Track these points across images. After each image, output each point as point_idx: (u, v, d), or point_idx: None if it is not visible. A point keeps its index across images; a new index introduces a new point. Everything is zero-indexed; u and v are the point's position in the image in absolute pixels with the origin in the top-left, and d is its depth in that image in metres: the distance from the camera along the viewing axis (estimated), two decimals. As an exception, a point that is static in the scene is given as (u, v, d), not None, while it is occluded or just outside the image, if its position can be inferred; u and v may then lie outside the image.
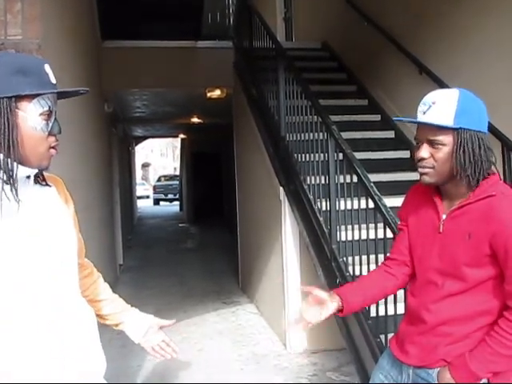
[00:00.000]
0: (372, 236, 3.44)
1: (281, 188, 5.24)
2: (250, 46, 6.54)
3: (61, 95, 1.50)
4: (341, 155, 3.95)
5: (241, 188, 8.03)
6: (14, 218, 1.39)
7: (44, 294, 1.43)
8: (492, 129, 4.12)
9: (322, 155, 4.24)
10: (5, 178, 1.37)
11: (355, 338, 3.69)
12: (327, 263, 4.10)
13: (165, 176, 32.21)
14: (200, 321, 6.37)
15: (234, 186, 8.57)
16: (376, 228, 3.38)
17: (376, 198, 3.40)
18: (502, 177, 4.12)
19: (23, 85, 1.37)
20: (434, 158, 1.76)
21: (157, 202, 29.13)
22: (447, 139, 1.73)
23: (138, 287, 8.32)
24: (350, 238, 3.77)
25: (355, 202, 3.71)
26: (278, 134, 5.22)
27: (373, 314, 3.38)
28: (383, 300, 3.08)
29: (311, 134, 4.43)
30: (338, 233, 3.95)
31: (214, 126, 12.59)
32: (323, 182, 4.20)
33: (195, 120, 12.32)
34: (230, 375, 4.71)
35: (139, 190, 26.88)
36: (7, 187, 1.37)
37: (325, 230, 4.14)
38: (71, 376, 1.46)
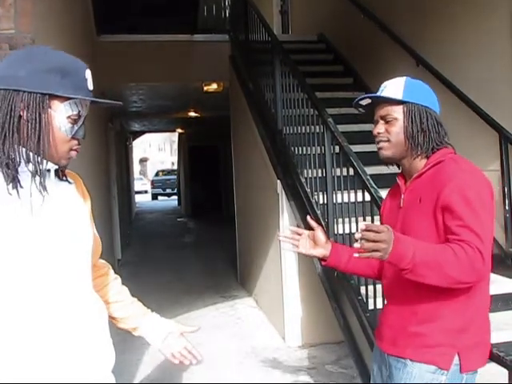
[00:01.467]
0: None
1: (278, 181, 5.23)
2: (246, 39, 6.51)
3: (94, 103, 1.51)
4: (337, 148, 3.94)
5: (238, 182, 8.02)
6: (37, 211, 1.39)
7: (53, 287, 1.42)
8: (489, 120, 4.14)
9: (318, 148, 4.24)
10: (32, 170, 1.39)
11: (353, 330, 3.69)
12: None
13: (163, 171, 32.19)
14: (199, 315, 6.36)
15: (231, 179, 8.56)
16: (373, 220, 3.37)
17: (372, 190, 3.39)
18: (499, 168, 4.14)
19: (58, 85, 1.39)
20: (387, 131, 1.91)
21: (155, 196, 29.13)
22: (398, 113, 1.89)
23: (137, 282, 8.29)
24: (347, 230, 3.76)
25: (352, 194, 3.70)
26: (275, 127, 5.20)
27: (371, 306, 3.37)
28: (381, 293, 3.08)
29: (308, 127, 4.42)
30: (336, 225, 3.95)
31: (211, 119, 12.57)
32: (320, 175, 4.20)
33: (192, 114, 12.29)
34: (228, 369, 4.71)
35: (137, 185, 26.89)
36: (36, 181, 1.39)
37: (322, 222, 4.13)
38: (77, 370, 1.45)
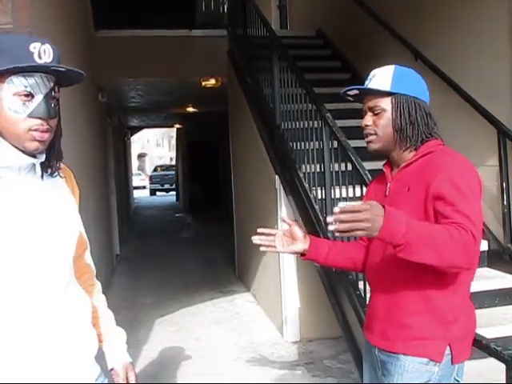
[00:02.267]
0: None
1: (276, 176, 5.23)
2: (245, 34, 6.50)
3: (58, 80, 1.42)
4: (335, 143, 3.94)
5: (237, 177, 8.01)
6: (11, 205, 1.37)
7: (34, 281, 1.40)
8: (488, 115, 4.13)
9: (317, 143, 4.23)
10: None
11: (351, 325, 3.70)
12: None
13: (161, 166, 32.18)
14: (197, 310, 6.37)
15: (229, 175, 8.56)
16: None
17: (371, 185, 3.39)
18: (497, 163, 4.14)
19: None
20: (375, 124, 1.88)
21: (153, 192, 29.12)
22: (386, 105, 1.86)
23: (135, 277, 8.32)
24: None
25: (350, 189, 3.70)
26: (273, 122, 5.20)
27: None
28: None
29: (306, 122, 4.42)
30: (334, 221, 3.94)
31: (210, 115, 12.55)
32: (318, 170, 4.20)
33: (190, 109, 12.28)
34: (226, 364, 4.72)
35: (135, 181, 26.88)
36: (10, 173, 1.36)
37: (320, 218, 4.13)
38: (60, 357, 1.45)
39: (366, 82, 1.90)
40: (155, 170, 31.32)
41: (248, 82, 6.33)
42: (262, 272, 6.37)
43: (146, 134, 38.67)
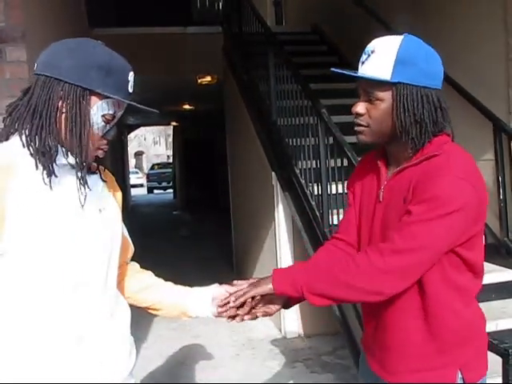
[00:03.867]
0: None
1: (273, 173, 5.23)
2: (240, 31, 6.49)
3: (129, 106, 1.48)
4: (331, 139, 3.94)
5: (234, 174, 8.01)
6: (66, 202, 1.37)
7: (69, 282, 1.37)
8: (484, 110, 4.14)
9: (313, 139, 4.23)
10: (72, 163, 1.37)
11: (350, 322, 3.70)
12: (319, 247, 4.09)
13: (158, 164, 32.17)
14: (195, 307, 6.36)
15: (226, 172, 8.55)
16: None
17: (367, 181, 3.39)
18: (493, 157, 4.14)
19: (101, 83, 1.36)
20: (369, 115, 1.53)
21: (151, 190, 29.10)
22: (385, 95, 1.49)
23: (133, 275, 8.31)
24: (342, 221, 3.76)
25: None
26: (269, 118, 5.19)
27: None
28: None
29: (302, 119, 4.42)
30: (330, 216, 3.95)
31: (206, 112, 12.55)
32: (314, 166, 4.20)
33: (186, 107, 12.27)
34: (225, 361, 4.72)
35: (133, 179, 26.85)
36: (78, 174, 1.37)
37: (317, 213, 4.14)
38: (93, 361, 1.42)
39: (363, 58, 1.53)
40: (152, 168, 31.31)
41: (244, 79, 6.32)
42: (260, 269, 6.37)
43: (142, 131, 38.66)
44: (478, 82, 4.31)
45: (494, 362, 2.16)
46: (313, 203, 4.23)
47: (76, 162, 1.37)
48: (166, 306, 1.76)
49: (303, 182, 4.41)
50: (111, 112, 1.40)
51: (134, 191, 24.43)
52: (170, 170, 26.89)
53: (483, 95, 4.19)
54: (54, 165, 1.34)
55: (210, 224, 13.59)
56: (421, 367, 1.55)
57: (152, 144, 46.90)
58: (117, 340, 1.50)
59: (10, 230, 1.29)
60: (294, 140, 4.57)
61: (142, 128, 25.99)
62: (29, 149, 1.33)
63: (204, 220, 14.64)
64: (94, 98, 1.37)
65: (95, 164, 1.52)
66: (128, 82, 1.43)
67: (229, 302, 1.68)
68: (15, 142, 1.35)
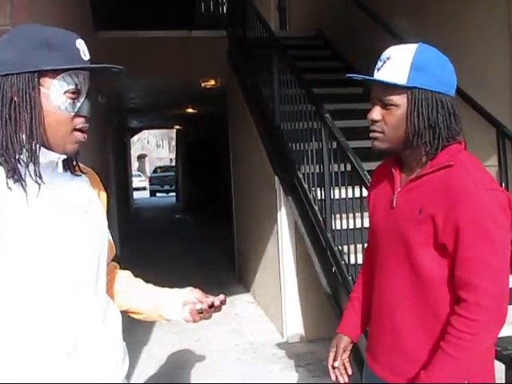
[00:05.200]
0: (367, 224, 3.43)
1: (276, 177, 5.23)
2: (244, 35, 6.50)
3: (93, 74, 1.38)
4: (335, 144, 3.94)
5: (236, 178, 8.01)
6: (37, 203, 1.29)
7: (53, 290, 1.32)
8: (487, 115, 4.13)
9: (316, 144, 4.23)
10: (24, 159, 1.28)
11: (351, 326, 3.69)
12: (322, 252, 4.10)
13: (161, 167, 32.21)
14: (197, 311, 6.36)
15: (229, 175, 8.56)
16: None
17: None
18: (496, 163, 4.13)
19: (46, 59, 1.27)
20: (385, 121, 1.55)
21: (153, 193, 29.13)
22: (400, 100, 1.51)
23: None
24: (344, 226, 3.76)
25: (350, 190, 3.70)
26: (273, 122, 5.20)
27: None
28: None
29: (305, 123, 4.42)
30: (333, 221, 3.95)
31: (209, 115, 12.56)
32: (318, 170, 4.20)
33: (190, 110, 12.29)
34: (226, 365, 4.72)
35: (135, 182, 26.92)
36: (30, 170, 1.29)
37: (320, 218, 4.13)
38: (84, 364, 1.37)
39: (378, 64, 1.56)
40: (155, 171, 31.34)
41: (247, 83, 6.33)
42: (262, 273, 6.37)
43: (145, 135, 38.70)
44: (482, 87, 4.30)
45: (497, 369, 2.15)
46: (316, 208, 4.23)
47: (28, 156, 1.27)
48: (144, 310, 1.67)
49: (306, 186, 4.40)
50: (72, 86, 1.30)
51: (136, 194, 24.44)
52: (172, 173, 26.91)
53: (486, 101, 4.19)
54: (19, 166, 1.28)
55: (213, 227, 13.59)
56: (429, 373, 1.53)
57: (155, 147, 46.93)
58: (110, 345, 1.46)
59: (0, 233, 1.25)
60: (298, 144, 4.57)
61: (145, 131, 25.98)
62: None
63: (206, 223, 14.64)
64: (47, 80, 1.28)
65: (78, 164, 1.45)
66: (78, 49, 1.32)
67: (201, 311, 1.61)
68: None
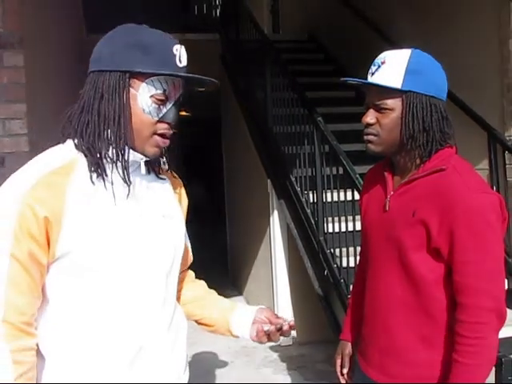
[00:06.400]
0: (359, 227, 3.45)
1: (268, 180, 5.24)
2: (237, 38, 6.51)
3: (190, 82, 1.37)
4: (327, 147, 3.95)
5: (229, 181, 8.01)
6: (124, 204, 1.29)
7: (131, 301, 1.30)
8: (478, 119, 4.16)
9: (308, 147, 4.24)
10: (114, 158, 1.27)
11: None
12: (315, 255, 4.11)
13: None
14: (189, 314, 6.35)
15: (222, 178, 8.55)
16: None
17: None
18: (487, 167, 4.16)
19: (138, 61, 1.27)
20: (379, 124, 1.57)
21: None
22: (394, 103, 1.54)
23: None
24: (337, 229, 3.77)
25: (342, 193, 3.71)
26: (266, 126, 5.20)
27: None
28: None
29: (298, 127, 4.43)
30: (325, 224, 3.96)
31: (203, 119, 12.53)
32: (310, 174, 4.21)
33: (183, 113, 12.26)
34: (220, 368, 4.71)
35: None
36: (118, 167, 1.28)
37: (312, 221, 4.14)
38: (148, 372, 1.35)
39: (372, 69, 1.58)
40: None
41: (240, 86, 6.34)
42: (255, 276, 6.37)
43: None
44: (473, 91, 4.33)
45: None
46: (308, 211, 4.24)
47: (116, 153, 1.27)
48: (215, 322, 1.64)
49: (299, 189, 4.41)
50: (160, 91, 1.29)
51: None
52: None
53: (477, 105, 4.21)
54: (104, 162, 1.27)
55: (206, 230, 13.56)
56: (422, 375, 1.57)
57: (148, 150, 46.86)
58: (174, 353, 1.42)
59: (68, 231, 1.22)
60: (290, 148, 4.58)
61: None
62: (79, 148, 1.28)
63: (200, 226, 14.59)
64: (136, 81, 1.28)
65: (166, 167, 1.46)
66: (174, 55, 1.30)
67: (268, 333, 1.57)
68: (71, 143, 1.30)
